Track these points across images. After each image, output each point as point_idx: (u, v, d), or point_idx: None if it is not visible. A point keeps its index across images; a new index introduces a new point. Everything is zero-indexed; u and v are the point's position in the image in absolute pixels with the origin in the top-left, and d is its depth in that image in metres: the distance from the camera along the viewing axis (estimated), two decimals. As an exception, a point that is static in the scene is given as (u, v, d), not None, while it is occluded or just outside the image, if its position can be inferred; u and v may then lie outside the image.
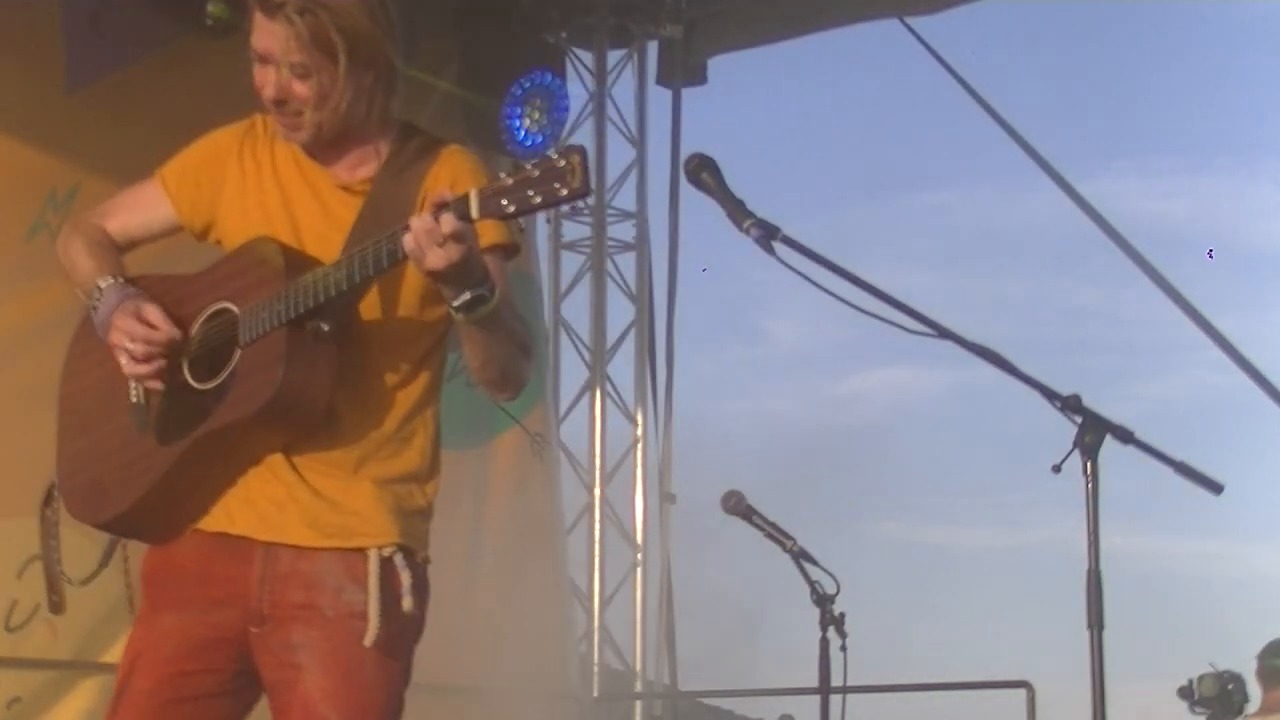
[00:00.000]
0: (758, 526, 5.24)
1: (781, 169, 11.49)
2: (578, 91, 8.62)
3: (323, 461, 3.07)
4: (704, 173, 3.12)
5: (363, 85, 3.10)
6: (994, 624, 9.68)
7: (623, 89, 8.89)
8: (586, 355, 8.85)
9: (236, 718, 3.14)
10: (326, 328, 3.01)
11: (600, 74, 8.83)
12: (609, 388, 8.83)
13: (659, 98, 8.83)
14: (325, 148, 3.17)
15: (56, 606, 3.40)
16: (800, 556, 5.13)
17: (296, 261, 3.04)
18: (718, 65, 8.85)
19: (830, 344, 12.28)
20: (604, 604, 8.63)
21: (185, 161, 3.29)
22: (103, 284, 3.16)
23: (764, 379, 12.93)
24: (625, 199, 8.88)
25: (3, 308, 6.38)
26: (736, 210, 3.06)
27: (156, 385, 3.09)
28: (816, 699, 5.22)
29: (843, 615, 5.07)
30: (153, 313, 3.09)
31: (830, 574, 5.12)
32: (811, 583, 5.10)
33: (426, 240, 2.82)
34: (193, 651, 3.07)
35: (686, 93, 8.75)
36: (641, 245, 8.86)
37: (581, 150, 2.82)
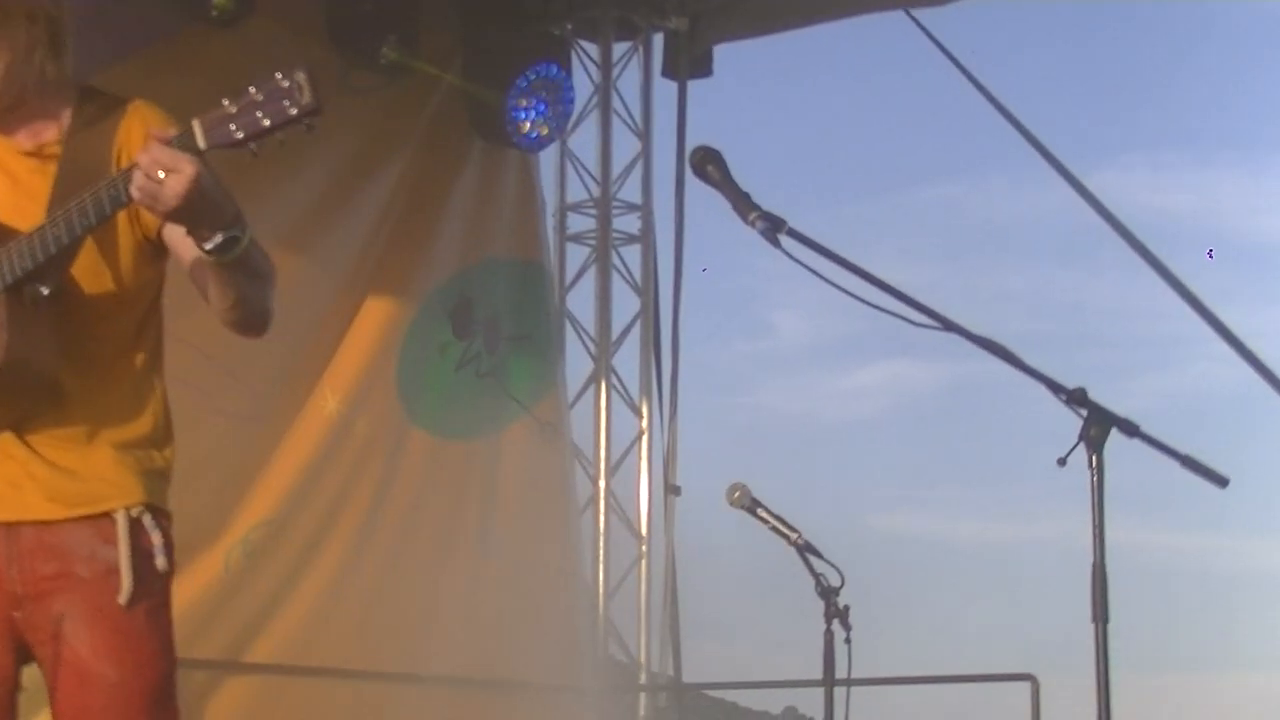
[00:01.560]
0: (762, 519, 5.23)
1: (787, 161, 11.47)
2: (583, 84, 8.62)
3: (55, 435, 2.96)
4: (709, 165, 3.10)
5: (23, 44, 2.95)
6: (998, 617, 9.68)
7: (628, 81, 8.87)
8: (591, 347, 8.82)
9: None
10: (46, 291, 2.89)
11: (605, 66, 8.81)
12: (614, 380, 8.81)
13: (664, 90, 8.82)
14: (2, 117, 3.01)
15: None
16: (805, 549, 5.12)
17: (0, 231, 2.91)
18: (723, 57, 8.84)
19: (835, 337, 12.27)
20: (608, 596, 8.62)
21: None
22: None
23: (769, 372, 12.91)
24: (630, 191, 8.87)
25: None
26: (742, 203, 3.05)
27: None
28: (821, 691, 5.21)
29: (847, 608, 5.07)
30: None
31: (835, 567, 5.12)
32: (816, 575, 5.10)
33: (156, 178, 2.70)
34: None
35: (692, 85, 8.74)
36: (646, 238, 8.84)
37: (307, 68, 2.73)
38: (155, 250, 3.01)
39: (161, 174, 2.70)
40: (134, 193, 2.73)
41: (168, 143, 2.72)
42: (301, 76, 2.68)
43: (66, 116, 3.04)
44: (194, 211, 2.75)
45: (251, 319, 3.02)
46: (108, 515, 2.95)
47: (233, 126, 2.70)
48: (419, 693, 7.61)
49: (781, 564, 5.26)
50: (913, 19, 7.99)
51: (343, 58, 7.39)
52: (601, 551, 8.66)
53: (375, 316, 7.87)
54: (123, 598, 2.91)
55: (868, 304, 3.00)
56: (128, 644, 2.93)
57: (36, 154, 3.00)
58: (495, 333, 8.37)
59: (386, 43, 7.47)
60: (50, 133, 3.02)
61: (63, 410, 2.96)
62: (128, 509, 2.96)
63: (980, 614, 9.62)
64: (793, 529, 5.18)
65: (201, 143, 2.72)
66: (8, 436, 2.95)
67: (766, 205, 3.03)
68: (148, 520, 2.97)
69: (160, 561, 2.97)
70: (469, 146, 8.21)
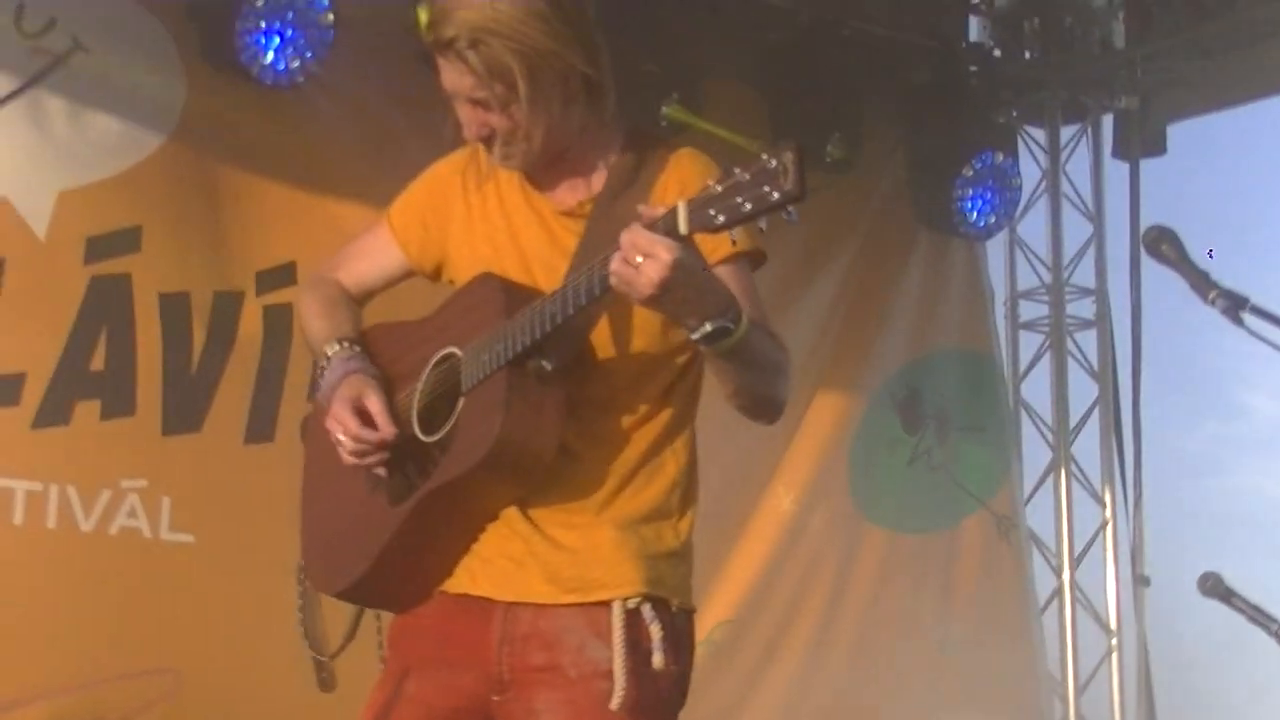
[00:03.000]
0: (1238, 609, 5.02)
1: (1249, 237, 11.02)
2: (1030, 169, 8.53)
3: (562, 510, 2.84)
4: (1164, 245, 3.03)
5: (556, 105, 2.86)
6: None
7: (1077, 163, 8.73)
8: (1049, 436, 8.67)
9: None
10: (549, 366, 2.77)
11: (1054, 150, 8.69)
12: (1074, 468, 8.63)
13: (1115, 170, 8.63)
14: (545, 171, 2.95)
15: (326, 684, 3.23)
16: (1286, 640, 4.89)
17: (519, 296, 2.82)
18: (1177, 134, 8.62)
19: (1319, 416, 11.66)
20: (1079, 691, 8.41)
21: (409, 201, 3.12)
22: (330, 351, 3.00)
23: (1243, 455, 12.34)
24: (1083, 276, 8.69)
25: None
26: (1200, 281, 2.97)
27: (379, 471, 2.92)
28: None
29: (1337, 702, 4.81)
30: (373, 403, 2.90)
31: (1322, 658, 4.87)
32: (1300, 668, 4.86)
33: (633, 263, 2.56)
34: None
35: (1144, 164, 8.53)
36: (1102, 322, 8.67)
37: (795, 147, 2.49)
38: None
39: (639, 259, 2.57)
40: (611, 279, 2.61)
41: (652, 225, 2.59)
42: (789, 158, 2.48)
43: (605, 170, 2.97)
44: (674, 301, 2.61)
45: (754, 408, 2.88)
46: (603, 605, 2.81)
47: (713, 211, 2.53)
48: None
49: (1267, 653, 5.04)
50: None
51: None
52: (1070, 646, 8.47)
53: (826, 412, 7.92)
54: (615, 702, 2.74)
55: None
56: None
57: (571, 214, 2.95)
58: (946, 425, 8.31)
59: (831, 140, 7.56)
60: (588, 190, 2.96)
61: (572, 482, 2.85)
62: (624, 600, 2.80)
63: None
64: (1273, 619, 4.95)
65: (684, 227, 2.57)
66: (513, 511, 2.85)
67: (1228, 283, 2.94)
68: (646, 612, 2.80)
69: (658, 659, 2.78)
70: (914, 238, 8.21)
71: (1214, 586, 5.10)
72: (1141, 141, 8.49)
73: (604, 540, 2.84)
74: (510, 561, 2.86)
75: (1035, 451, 8.71)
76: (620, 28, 6.91)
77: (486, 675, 2.85)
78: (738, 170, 2.54)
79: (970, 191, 7.94)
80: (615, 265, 2.60)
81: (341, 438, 2.89)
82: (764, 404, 2.87)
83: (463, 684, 2.87)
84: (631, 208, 2.79)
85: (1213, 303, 2.93)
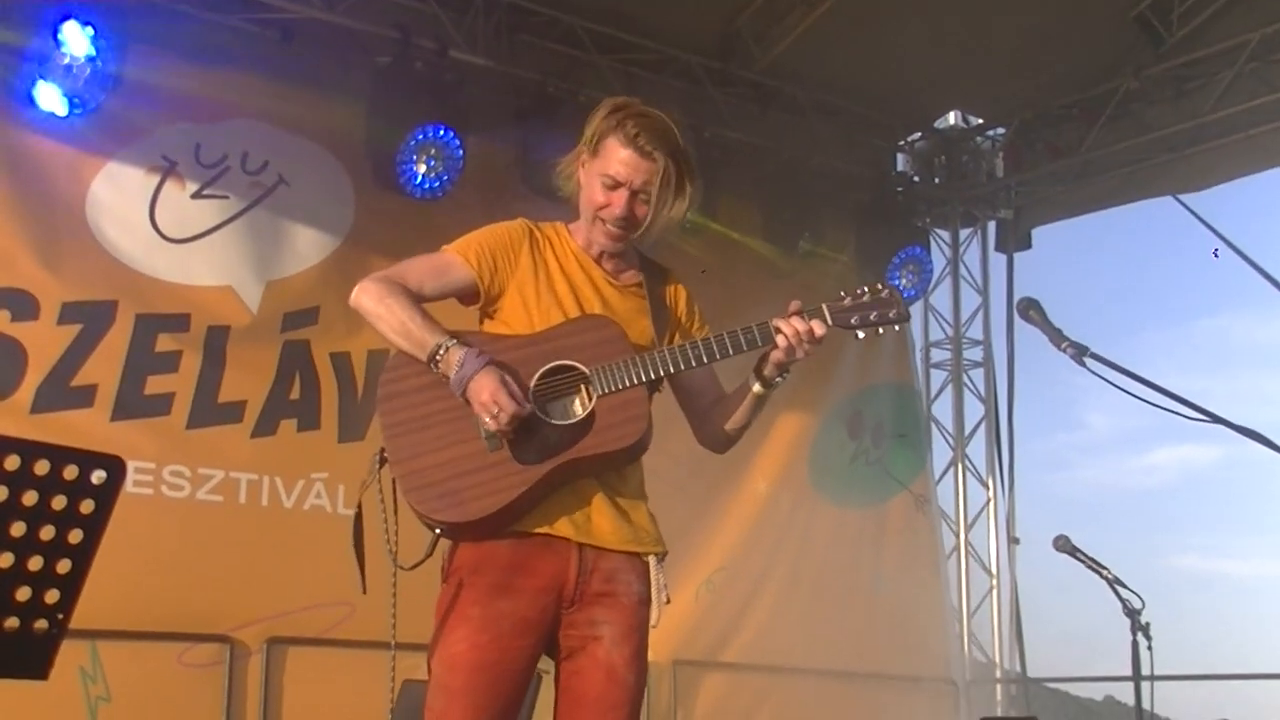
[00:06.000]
0: (1080, 560, 4.93)
1: (1093, 306, 10.95)
2: (939, 258, 8.50)
3: (620, 489, 2.77)
4: (1031, 310, 2.98)
5: (677, 218, 2.76)
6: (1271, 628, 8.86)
7: (971, 255, 8.74)
8: (950, 441, 8.63)
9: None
10: (659, 391, 2.76)
11: (954, 245, 8.70)
12: (968, 464, 8.58)
13: (998, 260, 8.62)
14: (603, 253, 2.83)
15: (364, 588, 2.96)
16: (1114, 582, 4.79)
17: (631, 341, 2.75)
18: (1040, 234, 8.57)
19: (1134, 429, 11.59)
20: (970, 616, 8.36)
21: (482, 244, 2.83)
22: (449, 343, 2.69)
23: (1084, 455, 12.29)
24: (975, 331, 8.69)
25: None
26: (1056, 336, 2.92)
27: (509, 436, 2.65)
28: (1131, 685, 4.84)
29: (1148, 624, 4.70)
30: (516, 390, 2.64)
31: (1137, 594, 4.77)
32: (1123, 600, 4.76)
33: (800, 339, 2.62)
34: (526, 629, 2.70)
35: (1018, 255, 8.50)
36: (988, 363, 8.62)
37: (894, 287, 2.66)
38: None
39: (804, 332, 2.65)
40: (780, 339, 2.66)
41: (802, 314, 2.66)
42: (897, 294, 2.65)
43: (635, 263, 2.87)
44: (790, 366, 2.72)
45: (736, 441, 2.91)
46: (640, 556, 2.78)
47: (853, 318, 2.63)
48: (835, 685, 7.47)
49: (1098, 591, 4.94)
50: (1180, 202, 7.63)
51: (774, 249, 7.46)
52: (964, 585, 8.41)
53: (791, 425, 7.84)
54: (654, 623, 2.74)
55: (1155, 405, 2.81)
56: (642, 662, 2.77)
57: (620, 287, 2.84)
58: (880, 433, 8.26)
59: (802, 238, 7.52)
60: (628, 274, 2.85)
61: (624, 471, 2.78)
62: (657, 555, 2.80)
63: (1262, 626, 8.82)
64: (1103, 567, 4.85)
65: (830, 321, 2.67)
66: (590, 480, 2.74)
67: (1075, 337, 2.88)
68: (661, 565, 2.81)
69: (666, 596, 2.79)
70: (860, 305, 8.13)
71: (1064, 545, 5.01)
72: (1015, 240, 8.47)
73: (642, 513, 2.82)
74: (581, 514, 2.74)
75: (940, 452, 8.70)
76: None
77: (562, 595, 2.73)
78: (861, 290, 2.67)
79: (897, 274, 7.89)
80: (788, 333, 2.65)
81: (497, 413, 2.61)
82: (741, 439, 2.90)
83: (546, 603, 2.72)
84: (660, 297, 2.85)
85: (1064, 350, 2.87)
